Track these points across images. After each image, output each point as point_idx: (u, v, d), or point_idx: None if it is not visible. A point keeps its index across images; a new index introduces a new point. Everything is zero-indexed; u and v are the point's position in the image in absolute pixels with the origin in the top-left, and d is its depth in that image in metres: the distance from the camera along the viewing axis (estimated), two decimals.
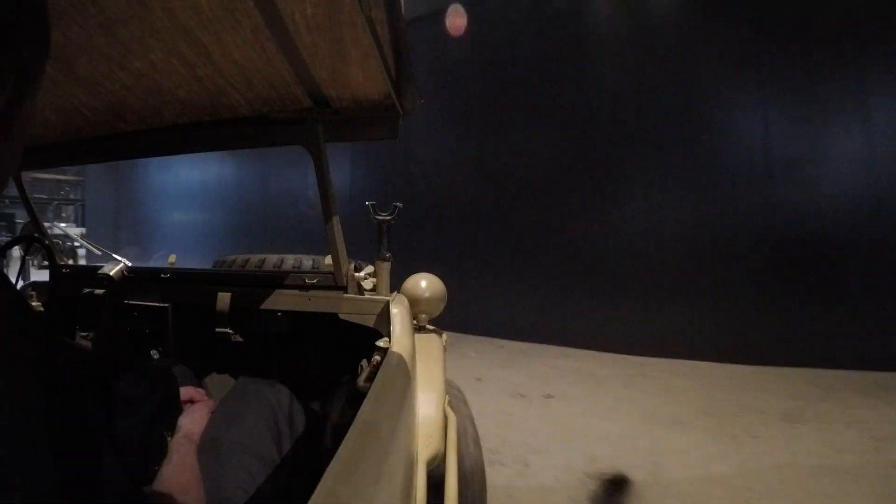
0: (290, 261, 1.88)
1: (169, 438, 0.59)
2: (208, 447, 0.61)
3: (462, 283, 4.61)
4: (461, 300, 4.57)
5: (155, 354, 1.22)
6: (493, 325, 4.67)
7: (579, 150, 4.26)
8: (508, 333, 4.56)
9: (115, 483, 0.32)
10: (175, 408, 0.64)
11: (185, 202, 9.08)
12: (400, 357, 0.87)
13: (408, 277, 1.58)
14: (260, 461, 0.62)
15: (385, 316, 1.03)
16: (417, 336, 1.23)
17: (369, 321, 1.05)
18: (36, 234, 1.32)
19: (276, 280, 1.18)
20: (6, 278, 0.32)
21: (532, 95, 4.45)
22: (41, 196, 20.64)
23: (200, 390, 0.75)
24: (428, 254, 4.75)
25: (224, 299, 1.15)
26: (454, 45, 4.79)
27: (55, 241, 1.37)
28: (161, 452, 0.55)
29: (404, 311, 1.08)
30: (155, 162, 10.32)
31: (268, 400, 0.73)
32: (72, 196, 19.50)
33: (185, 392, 0.71)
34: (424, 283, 1.55)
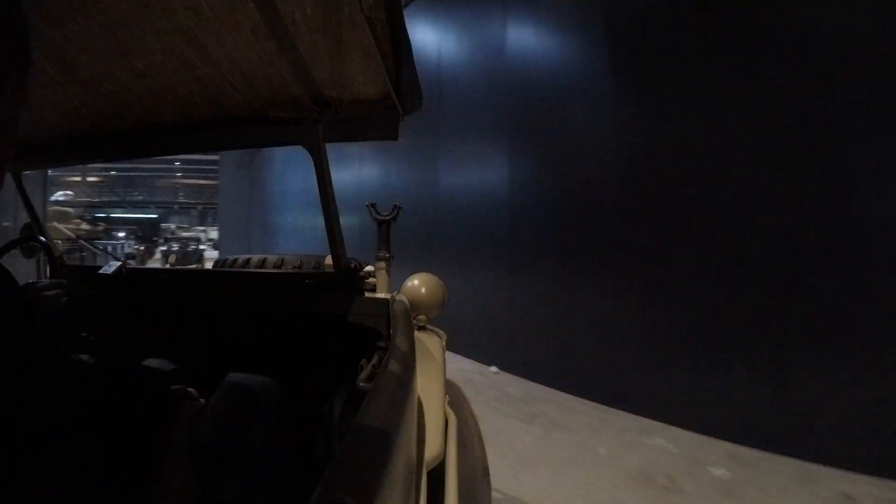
0: (290, 261, 1.88)
1: (161, 437, 0.59)
2: (199, 444, 0.61)
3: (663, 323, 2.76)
4: (668, 361, 2.67)
5: (153, 354, 1.22)
6: (773, 425, 2.30)
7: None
8: (821, 449, 2.15)
9: (111, 482, 0.32)
10: (167, 407, 0.65)
11: (309, 203, 8.01)
12: (400, 357, 0.87)
13: (407, 278, 1.59)
14: (251, 455, 0.62)
15: (385, 316, 1.03)
16: (417, 336, 1.23)
17: (369, 321, 1.05)
18: (36, 235, 1.32)
19: (277, 280, 1.19)
20: (12, 279, 0.32)
21: (727, 47, 2.59)
22: (187, 201, 21.01)
23: (192, 389, 0.75)
24: (594, 265, 3.18)
25: (224, 299, 1.15)
26: None
27: (55, 241, 1.37)
28: (155, 451, 0.55)
29: (404, 311, 1.08)
30: (283, 161, 9.84)
31: (256, 394, 0.73)
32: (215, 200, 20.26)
33: (178, 391, 0.71)
34: (424, 284, 1.55)
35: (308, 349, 1.22)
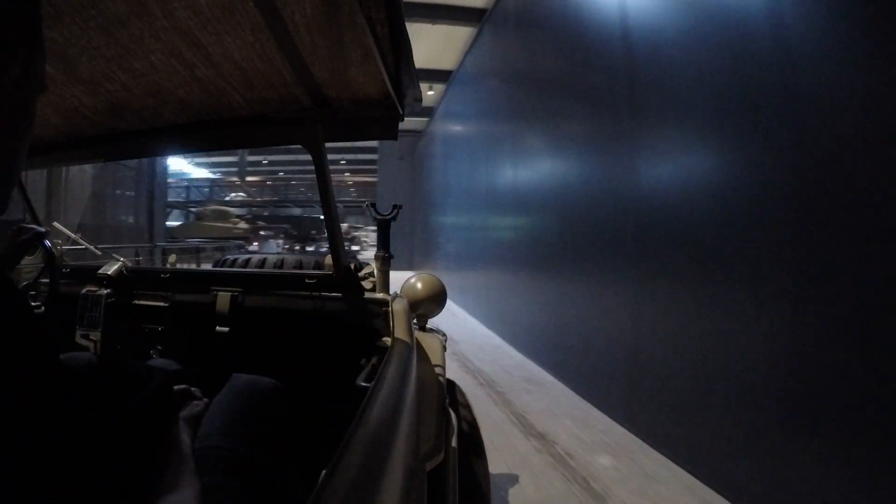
0: (290, 261, 1.88)
1: (164, 438, 0.59)
2: (202, 444, 0.61)
3: None
4: None
5: (154, 354, 1.23)
6: None
7: None
8: None
9: (113, 483, 0.32)
10: (170, 407, 0.65)
11: (474, 202, 5.88)
12: (400, 357, 0.87)
13: (406, 279, 1.59)
14: (254, 456, 0.62)
15: (385, 316, 1.03)
16: (417, 336, 1.23)
17: (369, 321, 1.05)
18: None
19: (276, 280, 1.19)
20: (9, 279, 0.32)
21: None
22: (347, 199, 20.81)
23: (195, 389, 0.75)
24: None
25: (224, 299, 1.16)
26: None
27: (56, 241, 1.37)
28: (157, 452, 0.55)
29: (404, 311, 1.08)
30: (444, 150, 8.46)
31: (262, 395, 0.73)
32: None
33: (180, 391, 0.71)
34: (424, 284, 1.55)
35: (308, 349, 1.22)
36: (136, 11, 0.65)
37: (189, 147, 1.13)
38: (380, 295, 1.11)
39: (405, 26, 0.72)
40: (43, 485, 0.27)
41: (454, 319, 5.88)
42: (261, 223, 17.06)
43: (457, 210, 7.17)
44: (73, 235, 1.44)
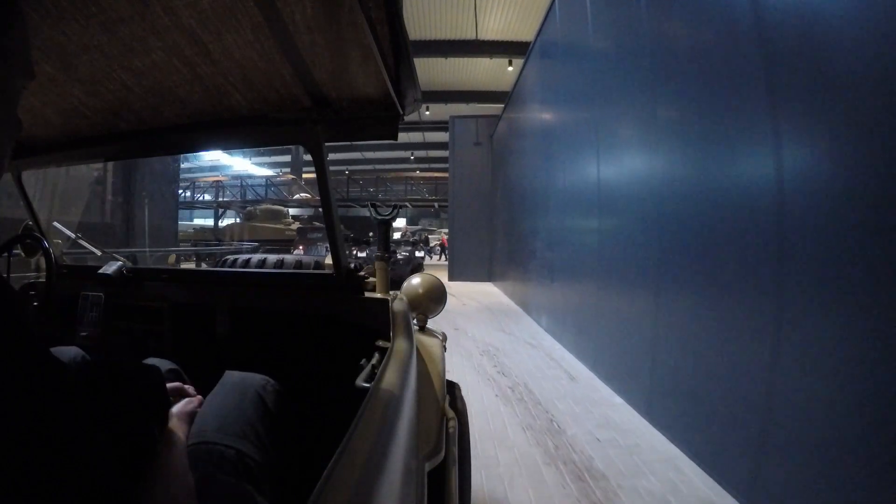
0: (290, 261, 1.88)
1: (158, 435, 0.59)
2: (196, 440, 0.61)
3: None
4: None
5: (153, 355, 1.22)
6: None
7: None
8: None
9: (108, 482, 0.32)
10: (164, 404, 0.65)
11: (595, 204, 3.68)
12: (400, 357, 0.87)
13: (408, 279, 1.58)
14: (248, 451, 0.62)
15: (385, 316, 1.03)
16: (417, 336, 1.23)
17: (369, 321, 1.05)
18: (34, 234, 1.32)
19: (276, 280, 1.19)
20: (2, 278, 0.32)
21: None
22: (417, 198, 20.49)
23: (189, 387, 0.75)
24: None
25: (223, 299, 1.15)
26: None
27: (56, 241, 1.37)
28: (151, 449, 0.55)
29: (404, 311, 1.08)
30: (542, 138, 5.69)
31: (252, 390, 0.73)
32: None
33: (174, 388, 0.72)
34: (424, 284, 1.55)
35: (308, 349, 1.22)
36: (137, 9, 0.65)
37: (189, 147, 1.13)
38: (380, 295, 1.11)
39: (405, 26, 0.72)
40: (33, 480, 0.27)
41: (571, 389, 3.07)
42: (317, 224, 16.07)
43: (566, 209, 4.94)
44: (73, 235, 1.44)
